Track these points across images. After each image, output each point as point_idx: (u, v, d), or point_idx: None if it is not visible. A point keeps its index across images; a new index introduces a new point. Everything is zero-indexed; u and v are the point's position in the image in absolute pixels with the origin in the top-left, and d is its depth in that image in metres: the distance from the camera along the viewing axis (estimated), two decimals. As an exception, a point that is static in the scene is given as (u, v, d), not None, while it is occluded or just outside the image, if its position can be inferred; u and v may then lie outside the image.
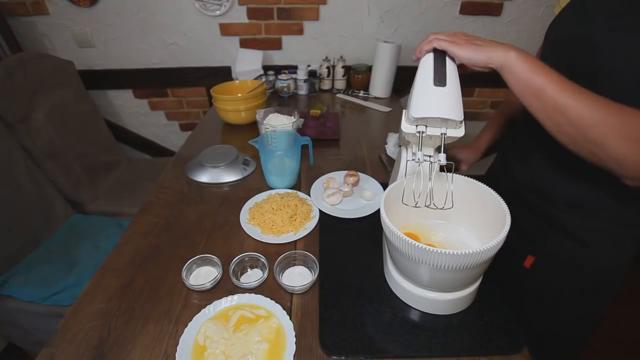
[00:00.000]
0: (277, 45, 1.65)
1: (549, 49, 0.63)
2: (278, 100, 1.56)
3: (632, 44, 0.47)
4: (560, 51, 0.60)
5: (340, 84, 1.65)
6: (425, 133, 0.55)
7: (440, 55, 0.54)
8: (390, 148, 1.08)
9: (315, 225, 0.80)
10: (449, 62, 0.53)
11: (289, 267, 0.69)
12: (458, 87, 0.52)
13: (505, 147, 0.80)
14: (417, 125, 0.56)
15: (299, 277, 0.66)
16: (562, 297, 0.70)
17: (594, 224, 0.62)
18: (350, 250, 0.73)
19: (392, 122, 1.36)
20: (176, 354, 0.53)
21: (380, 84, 1.56)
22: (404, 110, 0.60)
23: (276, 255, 0.70)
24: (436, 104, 0.52)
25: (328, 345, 0.55)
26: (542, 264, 0.70)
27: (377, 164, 1.06)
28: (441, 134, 0.55)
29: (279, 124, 1.05)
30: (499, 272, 0.64)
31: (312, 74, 1.60)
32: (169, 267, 0.69)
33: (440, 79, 0.52)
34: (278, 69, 1.61)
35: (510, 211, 0.53)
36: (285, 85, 1.53)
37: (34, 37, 1.57)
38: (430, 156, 0.57)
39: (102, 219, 1.34)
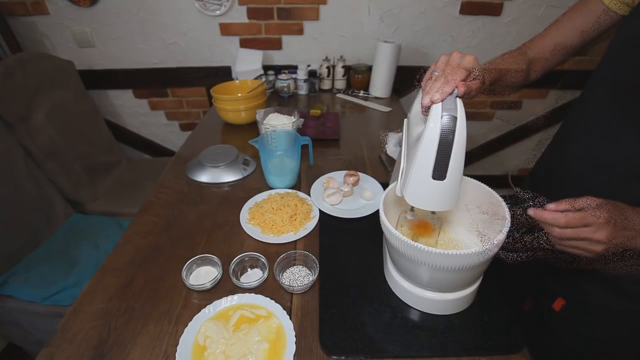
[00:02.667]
0: (277, 45, 1.65)
1: (606, 63, 0.57)
2: (278, 100, 1.56)
3: None
4: (618, 65, 0.54)
5: (340, 84, 1.65)
6: None
7: (447, 145, 0.45)
8: (391, 148, 1.07)
9: (315, 225, 0.80)
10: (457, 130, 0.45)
11: (289, 267, 0.69)
12: (459, 177, 0.48)
13: (538, 170, 0.72)
14: None
15: (299, 277, 0.66)
16: (595, 349, 0.62)
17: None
18: (350, 250, 0.73)
19: (392, 122, 1.36)
20: (176, 354, 0.53)
21: (380, 84, 1.56)
22: (402, 138, 0.57)
23: (276, 255, 0.70)
24: (432, 198, 0.50)
25: (328, 345, 0.55)
26: (573, 310, 0.63)
27: (377, 164, 1.06)
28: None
29: (279, 124, 1.05)
30: (524, 312, 0.61)
31: (312, 74, 1.60)
32: (169, 267, 0.69)
33: (440, 174, 0.47)
34: (278, 69, 1.61)
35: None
36: (285, 85, 1.53)
37: (34, 37, 1.57)
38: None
39: (102, 219, 1.34)
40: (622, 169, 0.52)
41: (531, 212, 0.46)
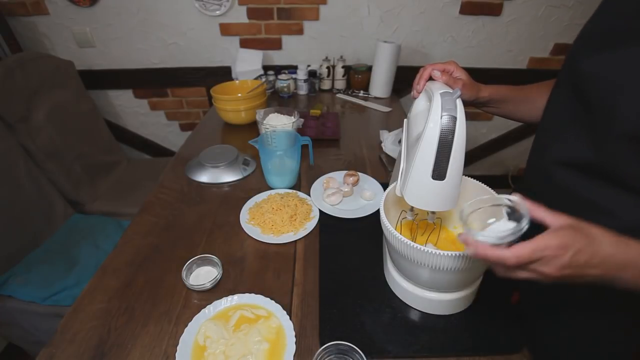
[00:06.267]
0: (277, 45, 1.65)
1: (564, 65, 0.57)
2: (278, 100, 1.56)
3: (614, 67, 0.44)
4: (567, 69, 0.55)
5: (340, 84, 1.65)
6: None
7: (446, 145, 0.46)
8: (389, 146, 1.07)
9: (315, 226, 0.80)
10: (456, 137, 0.45)
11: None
12: (459, 177, 0.48)
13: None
14: None
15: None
16: (550, 344, 0.62)
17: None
18: (350, 250, 0.73)
19: (392, 122, 1.36)
20: (176, 354, 0.53)
21: (380, 84, 1.56)
22: (401, 140, 0.58)
23: (276, 255, 0.70)
24: (431, 198, 0.50)
25: (328, 345, 0.55)
26: (526, 303, 0.63)
27: (377, 164, 1.06)
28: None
29: (279, 124, 1.05)
30: (500, 314, 0.60)
31: (312, 74, 1.60)
32: (169, 267, 0.69)
33: (440, 174, 0.47)
34: (278, 69, 1.61)
35: None
36: (285, 85, 1.53)
37: (34, 37, 1.57)
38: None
39: (102, 219, 1.34)
40: (557, 162, 0.53)
41: (470, 249, 0.40)
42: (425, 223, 0.64)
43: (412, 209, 0.58)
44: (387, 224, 0.53)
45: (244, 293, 0.63)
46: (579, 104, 0.51)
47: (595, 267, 0.39)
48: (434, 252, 0.48)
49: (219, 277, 0.65)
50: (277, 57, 1.69)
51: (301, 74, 1.55)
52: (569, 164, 0.53)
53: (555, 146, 0.56)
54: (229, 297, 0.61)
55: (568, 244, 0.37)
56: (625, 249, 0.40)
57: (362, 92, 1.63)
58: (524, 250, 0.37)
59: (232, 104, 1.22)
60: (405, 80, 1.62)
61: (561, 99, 0.57)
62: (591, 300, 0.57)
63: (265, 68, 1.59)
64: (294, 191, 0.90)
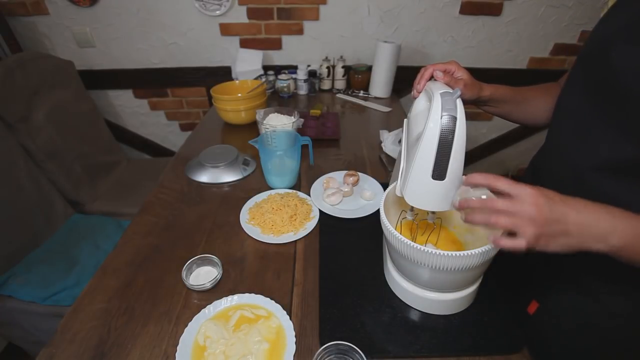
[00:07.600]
0: (277, 45, 1.65)
1: (579, 63, 0.57)
2: (278, 100, 1.56)
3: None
4: (587, 66, 0.55)
5: (340, 84, 1.65)
6: None
7: (446, 145, 0.46)
8: (389, 146, 1.07)
9: (315, 225, 0.80)
10: (457, 134, 0.45)
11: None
12: (459, 177, 0.48)
13: (529, 167, 0.73)
14: None
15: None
16: (572, 355, 0.61)
17: (606, 276, 0.54)
18: (350, 250, 0.73)
19: (392, 122, 1.36)
20: (176, 354, 0.53)
21: (380, 84, 1.56)
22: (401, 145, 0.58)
23: (276, 255, 0.70)
24: (431, 198, 0.50)
25: (328, 345, 0.55)
26: (546, 313, 0.62)
27: (377, 164, 1.06)
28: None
29: (279, 124, 1.05)
30: (500, 314, 0.60)
31: (312, 74, 1.60)
32: (169, 267, 0.69)
33: (440, 174, 0.47)
34: (278, 69, 1.61)
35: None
36: (285, 85, 1.53)
37: (34, 37, 1.57)
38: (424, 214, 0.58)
39: (102, 219, 1.34)
40: (588, 165, 0.52)
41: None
42: (425, 223, 0.64)
43: (412, 208, 0.58)
44: (387, 224, 0.53)
45: (244, 293, 0.63)
46: (607, 103, 0.50)
47: (573, 218, 0.41)
48: (434, 252, 0.48)
49: (219, 277, 0.65)
50: (277, 57, 1.69)
51: (301, 74, 1.55)
52: (614, 166, 0.50)
53: (585, 149, 0.53)
54: (229, 297, 0.61)
55: (543, 197, 0.41)
56: (607, 211, 0.41)
57: (362, 92, 1.63)
58: (505, 179, 0.43)
59: (232, 104, 1.22)
60: (405, 80, 1.61)
61: (581, 100, 0.55)
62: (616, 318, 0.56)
63: (265, 68, 1.59)
64: (294, 191, 0.90)
